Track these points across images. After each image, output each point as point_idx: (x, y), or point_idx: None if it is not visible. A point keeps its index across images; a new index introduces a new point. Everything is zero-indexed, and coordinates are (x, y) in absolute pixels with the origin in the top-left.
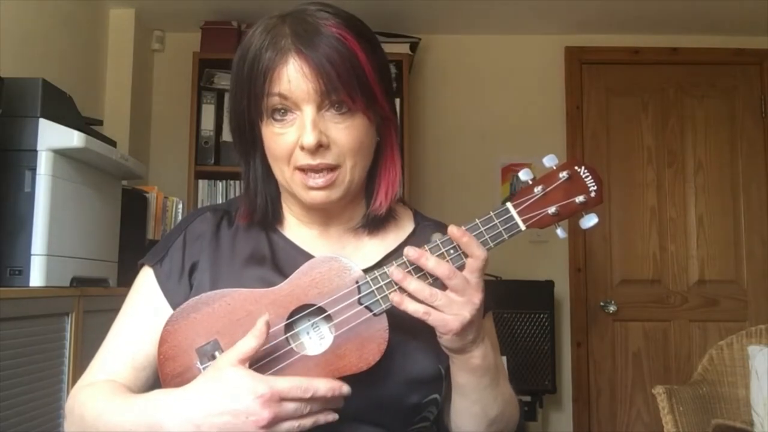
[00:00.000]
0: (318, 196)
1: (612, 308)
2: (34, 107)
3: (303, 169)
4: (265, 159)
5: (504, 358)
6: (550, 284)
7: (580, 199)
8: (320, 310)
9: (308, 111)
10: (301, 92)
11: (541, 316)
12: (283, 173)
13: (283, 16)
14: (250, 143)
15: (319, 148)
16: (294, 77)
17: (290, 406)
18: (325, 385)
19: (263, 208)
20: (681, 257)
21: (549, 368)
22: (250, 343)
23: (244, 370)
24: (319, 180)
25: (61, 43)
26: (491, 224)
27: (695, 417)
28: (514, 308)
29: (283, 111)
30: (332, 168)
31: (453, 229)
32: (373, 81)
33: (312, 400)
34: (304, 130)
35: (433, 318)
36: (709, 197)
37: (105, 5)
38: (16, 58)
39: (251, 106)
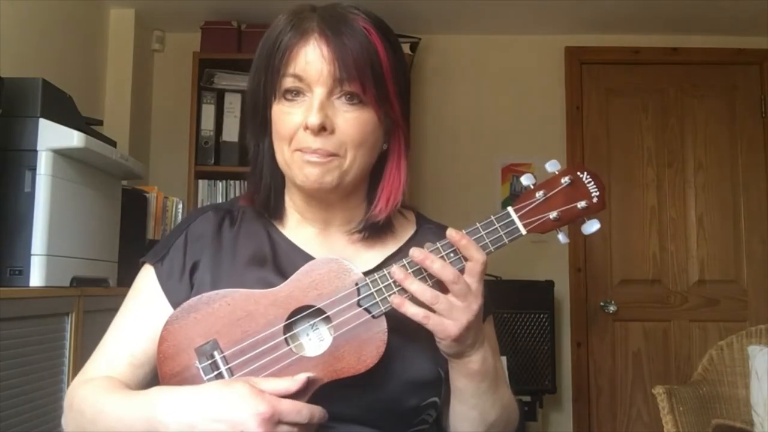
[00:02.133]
0: (312, 174)
1: (612, 308)
2: (34, 107)
3: (303, 151)
4: (273, 143)
5: (504, 359)
6: (550, 284)
7: (581, 204)
8: (319, 312)
9: (318, 92)
10: (316, 72)
11: (541, 316)
12: (284, 153)
13: (314, 6)
14: (262, 124)
15: (323, 131)
16: (312, 57)
17: (284, 430)
18: (320, 413)
19: (267, 191)
20: (681, 257)
21: (549, 368)
22: (283, 383)
23: (253, 388)
24: (315, 157)
25: (61, 43)
26: (492, 228)
27: (695, 417)
28: (514, 308)
29: (295, 92)
30: (332, 154)
31: (451, 232)
32: (388, 78)
33: (308, 426)
34: (311, 110)
35: (433, 322)
36: (709, 197)
37: (105, 5)
38: (16, 58)
39: (266, 81)
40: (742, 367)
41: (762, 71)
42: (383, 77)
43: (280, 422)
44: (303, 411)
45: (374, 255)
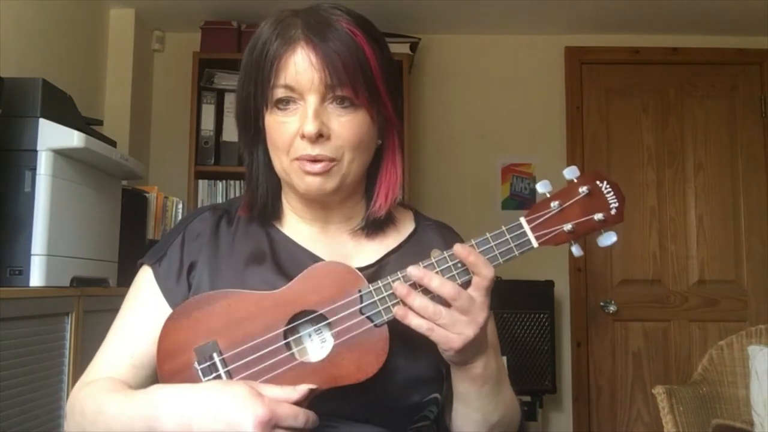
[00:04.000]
0: (314, 183)
1: (612, 308)
2: (34, 107)
3: (302, 160)
4: (267, 150)
5: (504, 358)
6: (550, 284)
7: (599, 216)
8: (321, 317)
9: (311, 100)
10: (307, 81)
11: (541, 316)
12: (282, 163)
13: (296, 11)
14: (254, 134)
15: (320, 138)
16: (301, 66)
17: None
18: (314, 417)
19: (264, 199)
20: (681, 257)
21: (549, 368)
22: (284, 392)
23: (252, 390)
24: (316, 166)
25: (61, 43)
26: (502, 239)
27: (695, 417)
28: (514, 308)
29: (287, 101)
30: (330, 159)
31: (459, 248)
32: (378, 78)
33: (303, 430)
34: (306, 119)
35: (437, 335)
36: (709, 197)
37: (105, 5)
38: (16, 58)
39: (257, 93)
40: (742, 367)
41: (762, 71)
42: (373, 78)
43: (276, 426)
44: (300, 416)
45: (375, 248)
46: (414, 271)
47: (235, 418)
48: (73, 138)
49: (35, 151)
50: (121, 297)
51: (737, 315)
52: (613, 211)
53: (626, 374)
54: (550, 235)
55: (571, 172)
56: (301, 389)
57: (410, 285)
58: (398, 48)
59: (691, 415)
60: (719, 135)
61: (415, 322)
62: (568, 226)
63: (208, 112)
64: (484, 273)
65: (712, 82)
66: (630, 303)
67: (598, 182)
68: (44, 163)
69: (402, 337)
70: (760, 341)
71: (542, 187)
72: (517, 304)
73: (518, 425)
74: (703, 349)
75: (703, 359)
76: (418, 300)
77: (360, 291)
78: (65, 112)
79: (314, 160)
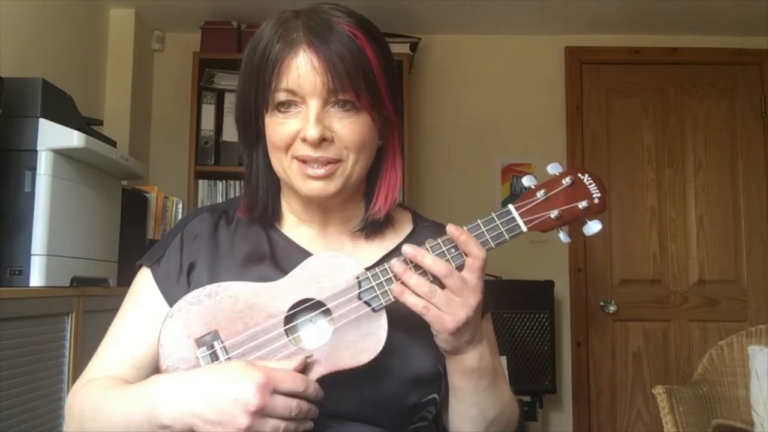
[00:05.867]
0: (315, 187)
1: (612, 308)
2: (34, 107)
3: (303, 160)
4: (267, 153)
5: (504, 358)
6: (550, 284)
7: (582, 204)
8: (320, 305)
9: (313, 104)
10: (309, 84)
11: (541, 316)
12: (281, 162)
13: (296, 11)
14: (254, 135)
15: (323, 142)
16: (303, 69)
17: (280, 402)
18: (315, 385)
19: (264, 201)
20: (681, 257)
21: (549, 368)
22: (281, 362)
23: (247, 363)
24: (319, 170)
25: (61, 43)
26: (493, 224)
27: (695, 417)
28: (514, 308)
29: (288, 104)
30: (334, 161)
31: (451, 228)
32: (380, 81)
33: (303, 395)
34: (308, 123)
35: (431, 314)
36: (709, 197)
37: (105, 5)
38: (16, 58)
39: (258, 95)
40: (742, 367)
41: (762, 71)
42: (375, 81)
43: (276, 390)
44: (297, 379)
45: (374, 250)
46: (408, 249)
47: (234, 389)
48: (73, 138)
49: (35, 151)
50: (121, 297)
51: (737, 315)
52: (596, 200)
53: (626, 374)
54: (537, 221)
55: (554, 168)
56: (297, 358)
57: (407, 266)
58: (398, 48)
59: (691, 415)
60: (719, 135)
61: (410, 300)
62: (554, 213)
63: (208, 112)
64: (476, 253)
65: (712, 82)
66: (630, 303)
67: (580, 175)
68: (44, 163)
69: (400, 337)
70: (760, 341)
71: (528, 181)
72: (517, 304)
73: (517, 424)
74: (703, 349)
75: (703, 359)
76: (414, 278)
77: (357, 277)
78: (65, 112)
79: (316, 161)
